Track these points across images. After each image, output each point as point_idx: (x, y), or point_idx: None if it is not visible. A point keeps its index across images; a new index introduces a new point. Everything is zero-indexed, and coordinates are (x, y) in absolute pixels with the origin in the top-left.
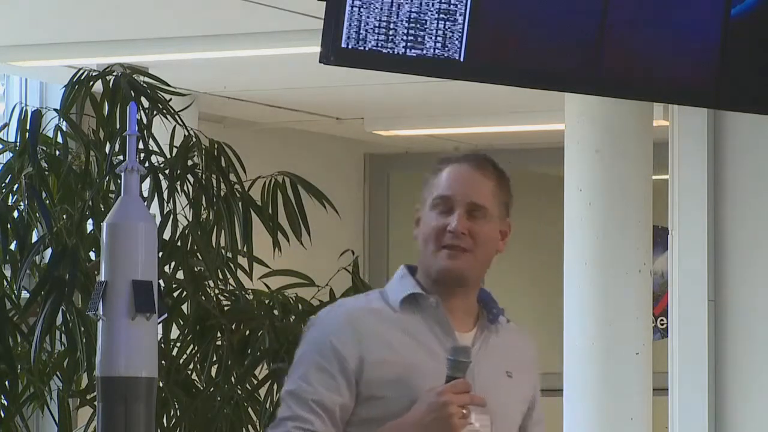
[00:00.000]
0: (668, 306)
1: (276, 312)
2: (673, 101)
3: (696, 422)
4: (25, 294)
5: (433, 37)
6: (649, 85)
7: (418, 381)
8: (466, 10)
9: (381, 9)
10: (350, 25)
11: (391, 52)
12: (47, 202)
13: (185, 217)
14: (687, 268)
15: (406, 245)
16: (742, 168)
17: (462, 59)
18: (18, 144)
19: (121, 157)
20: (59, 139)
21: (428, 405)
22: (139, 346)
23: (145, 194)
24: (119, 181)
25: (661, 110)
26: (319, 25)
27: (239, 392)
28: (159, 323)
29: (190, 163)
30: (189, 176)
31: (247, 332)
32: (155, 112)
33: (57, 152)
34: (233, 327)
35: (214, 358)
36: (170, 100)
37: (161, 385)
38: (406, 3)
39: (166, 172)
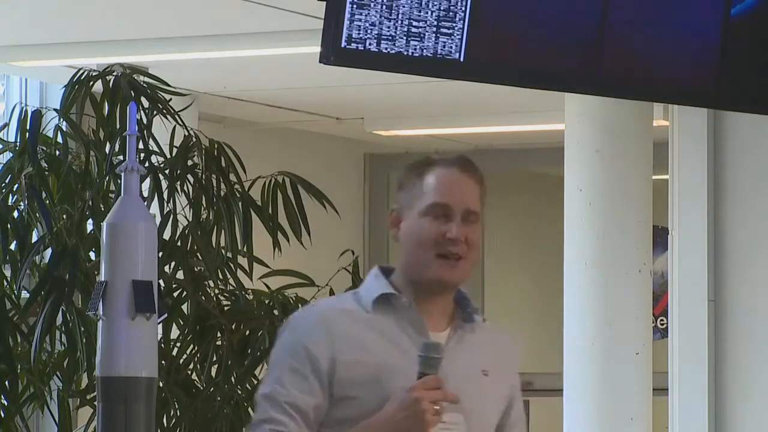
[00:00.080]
0: (668, 306)
1: (276, 312)
2: (673, 101)
3: (696, 422)
4: (25, 294)
5: (433, 37)
6: (649, 85)
7: (390, 380)
8: (466, 10)
9: (381, 9)
10: (350, 25)
11: (391, 52)
12: (47, 202)
13: (185, 217)
14: (687, 268)
15: None
16: (742, 168)
17: (462, 59)
18: (18, 144)
19: (121, 157)
20: (59, 139)
21: (400, 402)
22: (139, 346)
23: (145, 194)
24: (119, 181)
25: (661, 110)
26: (319, 25)
27: (239, 392)
28: (159, 323)
29: (190, 163)
30: (189, 176)
31: (247, 332)
32: (155, 112)
33: (57, 152)
34: (233, 327)
35: (214, 358)
36: (170, 100)
37: (161, 385)
38: (406, 3)
39: (166, 172)
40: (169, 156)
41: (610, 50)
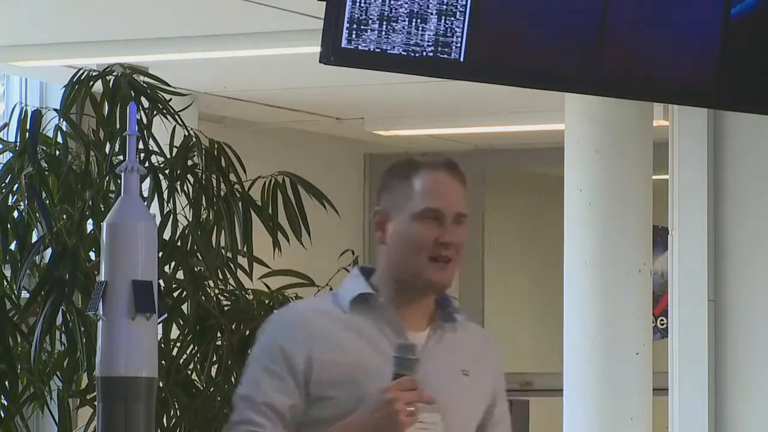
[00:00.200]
0: (668, 306)
1: None
2: (673, 101)
3: (696, 422)
4: (25, 294)
5: (433, 37)
6: (649, 85)
7: (367, 381)
8: (466, 10)
9: (381, 9)
10: (350, 25)
11: (390, 52)
12: (47, 202)
13: (185, 217)
14: (687, 268)
15: None
16: (742, 168)
17: (462, 59)
18: (18, 144)
19: (121, 157)
20: (59, 139)
21: (374, 403)
22: (139, 346)
23: (145, 194)
24: (119, 181)
25: (661, 110)
26: (319, 25)
27: None
28: (159, 323)
29: (190, 163)
30: (189, 176)
31: (247, 332)
32: (155, 112)
33: (57, 152)
34: (233, 327)
35: (214, 358)
36: (170, 100)
37: (161, 385)
38: (406, 3)
39: (166, 172)
40: (169, 156)
41: (610, 50)
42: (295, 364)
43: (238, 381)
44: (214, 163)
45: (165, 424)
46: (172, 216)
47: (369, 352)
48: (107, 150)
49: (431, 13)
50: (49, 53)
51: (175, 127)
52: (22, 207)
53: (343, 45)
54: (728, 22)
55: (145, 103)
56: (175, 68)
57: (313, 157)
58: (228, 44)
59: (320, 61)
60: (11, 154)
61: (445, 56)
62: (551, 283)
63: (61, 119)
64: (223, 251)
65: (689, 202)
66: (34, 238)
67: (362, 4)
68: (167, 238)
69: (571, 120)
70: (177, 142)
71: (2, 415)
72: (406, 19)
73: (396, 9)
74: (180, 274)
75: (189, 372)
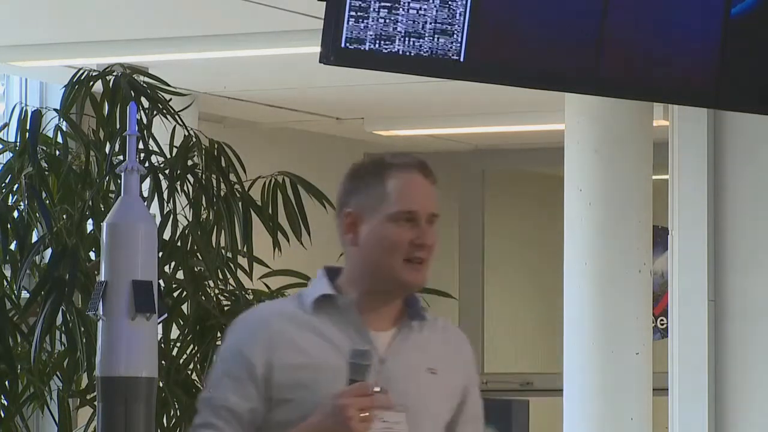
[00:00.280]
0: (668, 306)
1: None
2: (673, 101)
3: (696, 422)
4: (25, 294)
5: (433, 37)
6: (649, 85)
7: (329, 383)
8: (466, 10)
9: (381, 9)
10: (350, 25)
11: (391, 52)
12: (47, 202)
13: (185, 217)
14: (687, 268)
15: None
16: (742, 168)
17: (462, 59)
18: (18, 144)
19: (121, 157)
20: (59, 139)
21: (327, 409)
22: (139, 346)
23: (145, 194)
24: (119, 181)
25: (661, 110)
26: (319, 25)
27: None
28: (159, 323)
29: (190, 163)
30: (189, 176)
31: None
32: (155, 112)
33: (57, 152)
34: None
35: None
36: (170, 100)
37: (161, 385)
38: (406, 3)
39: (166, 172)
40: (169, 156)
41: (610, 50)
42: (255, 368)
43: None
44: (214, 163)
45: (165, 424)
46: (172, 216)
47: (331, 353)
48: (107, 150)
49: (431, 14)
50: (49, 53)
51: (175, 127)
52: (22, 207)
53: (343, 45)
54: (728, 22)
55: (145, 103)
56: (175, 68)
57: (313, 157)
58: (228, 44)
59: (320, 61)
60: (11, 154)
61: (445, 56)
62: (551, 283)
63: (61, 119)
64: (223, 251)
65: (689, 202)
66: (34, 238)
67: (362, 4)
68: (167, 238)
69: (571, 120)
70: (177, 142)
71: (2, 415)
72: (406, 20)
73: (396, 9)
74: (180, 274)
75: (189, 372)
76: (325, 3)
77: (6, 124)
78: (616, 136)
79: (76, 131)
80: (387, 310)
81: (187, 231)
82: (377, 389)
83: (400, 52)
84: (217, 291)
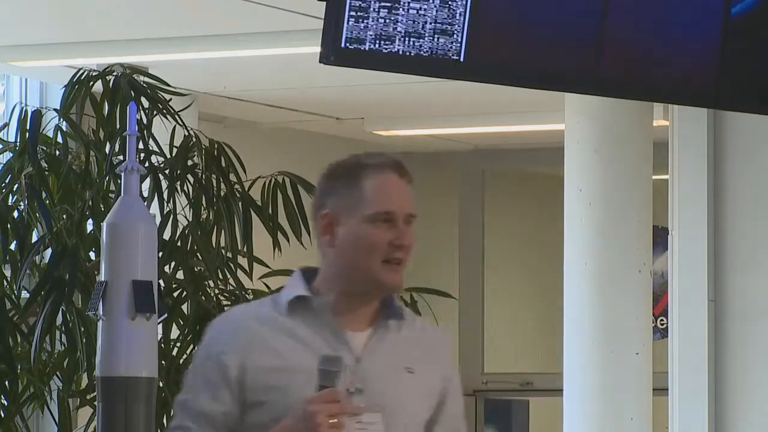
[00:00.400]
0: (668, 306)
1: None
2: (673, 101)
3: (696, 422)
4: (25, 294)
5: (433, 37)
6: (649, 85)
7: (303, 385)
8: (466, 10)
9: (381, 9)
10: (350, 25)
11: (390, 52)
12: (47, 202)
13: (185, 217)
14: (687, 268)
15: None
16: (742, 168)
17: (462, 59)
18: (18, 144)
19: (121, 157)
20: (59, 139)
21: (296, 414)
22: (139, 346)
23: (145, 194)
24: (119, 181)
25: (661, 110)
26: (319, 25)
27: None
28: (159, 323)
29: (190, 163)
30: (189, 176)
31: None
32: (155, 112)
33: (57, 152)
34: None
35: None
36: (170, 100)
37: (161, 385)
38: (406, 3)
39: (166, 172)
40: (169, 156)
41: (610, 50)
42: (228, 371)
43: None
44: (214, 163)
45: (165, 424)
46: (172, 216)
47: (305, 355)
48: (107, 150)
49: (431, 14)
50: (49, 53)
51: (175, 127)
52: (22, 207)
53: (343, 45)
54: (728, 22)
55: (145, 103)
56: (175, 68)
57: (313, 157)
58: (228, 44)
59: (320, 61)
60: (11, 154)
61: (445, 56)
62: (551, 283)
63: (61, 119)
64: (223, 251)
65: (689, 202)
66: (34, 238)
67: (362, 4)
68: (167, 238)
69: (571, 120)
70: (177, 142)
71: (2, 415)
72: (406, 20)
73: (396, 9)
74: (180, 274)
75: None
76: (325, 3)
77: (6, 124)
78: (616, 136)
79: (76, 131)
80: (364, 311)
81: (187, 231)
82: (353, 390)
83: (400, 52)
84: (217, 291)
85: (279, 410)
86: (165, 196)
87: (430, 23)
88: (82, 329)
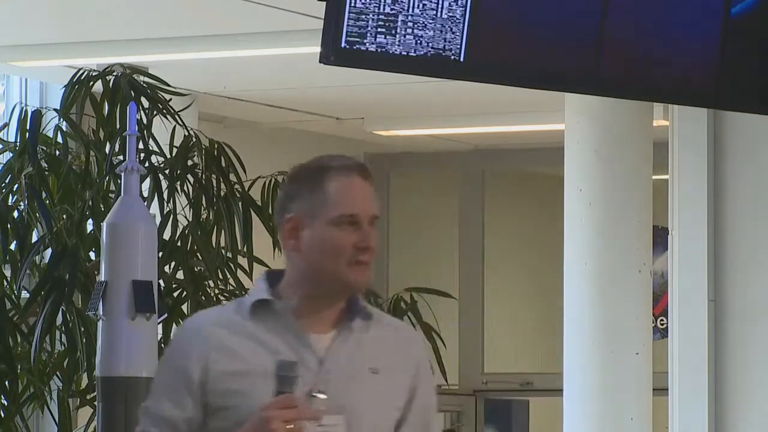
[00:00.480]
0: (668, 306)
1: None
2: (673, 101)
3: (696, 422)
4: (25, 294)
5: (433, 38)
6: (649, 85)
7: (265, 390)
8: (466, 10)
9: (380, 9)
10: (350, 25)
11: (391, 52)
12: (47, 202)
13: (185, 217)
14: (687, 268)
15: (406, 245)
16: (742, 168)
17: (462, 59)
18: (18, 144)
19: (121, 157)
20: (59, 139)
21: (254, 420)
22: (139, 346)
23: (145, 194)
24: (119, 181)
25: (661, 110)
26: (319, 25)
27: None
28: (159, 323)
29: (190, 163)
30: (189, 176)
31: None
32: (155, 112)
33: (57, 152)
34: None
35: None
36: (170, 100)
37: None
38: (406, 3)
39: (166, 172)
40: (169, 156)
41: (610, 50)
42: (191, 377)
43: None
44: (214, 163)
45: None
46: (172, 216)
47: (266, 359)
48: (107, 150)
49: (431, 13)
50: (49, 53)
51: (175, 127)
52: (22, 207)
53: (343, 45)
54: (728, 22)
55: (145, 103)
56: (175, 68)
57: (313, 157)
58: (228, 44)
59: (320, 61)
60: (11, 154)
61: (445, 56)
62: (551, 283)
63: (61, 119)
64: (223, 251)
65: (689, 202)
66: (34, 238)
67: (362, 5)
68: (167, 238)
69: (571, 120)
70: (177, 142)
71: (2, 415)
72: (406, 20)
73: (396, 9)
74: (180, 274)
75: None
76: (325, 3)
77: (6, 124)
78: (616, 136)
79: (76, 131)
80: (328, 313)
81: (187, 231)
82: (315, 392)
83: (400, 52)
84: (217, 291)
85: (242, 415)
86: (165, 196)
87: (430, 23)
88: (82, 329)
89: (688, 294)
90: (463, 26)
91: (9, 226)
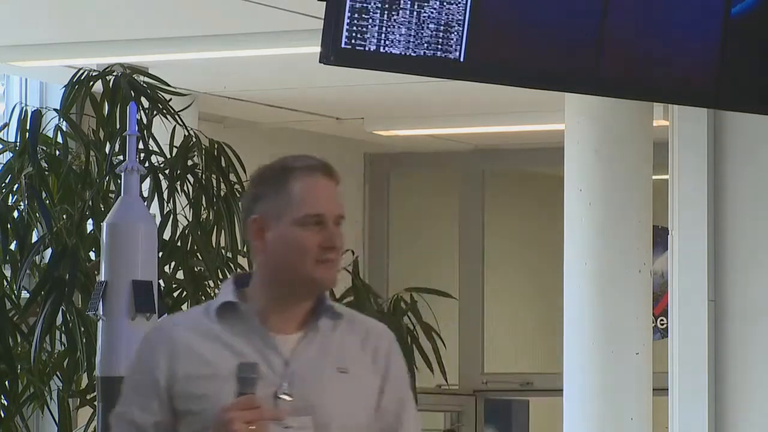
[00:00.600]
0: (668, 306)
1: None
2: (673, 101)
3: (696, 422)
4: (25, 294)
5: (433, 37)
6: (649, 85)
7: (232, 393)
8: (466, 10)
9: (380, 9)
10: (350, 25)
11: (390, 52)
12: (47, 202)
13: (185, 217)
14: (687, 268)
15: (406, 245)
16: (742, 168)
17: (462, 59)
18: (18, 144)
19: (121, 157)
20: (59, 139)
21: (216, 422)
22: None
23: (145, 194)
24: (119, 181)
25: (661, 110)
26: (319, 25)
27: None
28: None
29: (190, 163)
30: (189, 176)
31: None
32: (155, 112)
33: (57, 152)
34: None
35: None
36: (170, 100)
37: None
38: (406, 3)
39: (166, 172)
40: (169, 156)
41: (610, 50)
42: (158, 380)
43: None
44: (214, 163)
45: None
46: (172, 216)
47: (232, 362)
48: (107, 150)
49: (431, 13)
50: (49, 53)
51: (175, 127)
52: (22, 207)
53: (343, 45)
54: (728, 22)
55: (145, 103)
56: (175, 68)
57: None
58: (228, 44)
59: (320, 61)
60: (11, 154)
61: (445, 56)
62: (551, 283)
63: (61, 119)
64: (223, 251)
65: (689, 202)
66: (34, 238)
67: (362, 4)
68: (167, 238)
69: (571, 120)
70: (177, 142)
71: (2, 415)
72: (406, 19)
73: (396, 9)
74: (180, 274)
75: None
76: (325, 3)
77: (6, 124)
78: (616, 136)
79: (76, 131)
80: (295, 314)
81: (187, 231)
82: (281, 394)
83: (400, 52)
84: (217, 291)
85: (210, 420)
86: (165, 196)
87: (430, 23)
88: (82, 329)
89: (688, 294)
90: (463, 26)
91: (9, 226)
